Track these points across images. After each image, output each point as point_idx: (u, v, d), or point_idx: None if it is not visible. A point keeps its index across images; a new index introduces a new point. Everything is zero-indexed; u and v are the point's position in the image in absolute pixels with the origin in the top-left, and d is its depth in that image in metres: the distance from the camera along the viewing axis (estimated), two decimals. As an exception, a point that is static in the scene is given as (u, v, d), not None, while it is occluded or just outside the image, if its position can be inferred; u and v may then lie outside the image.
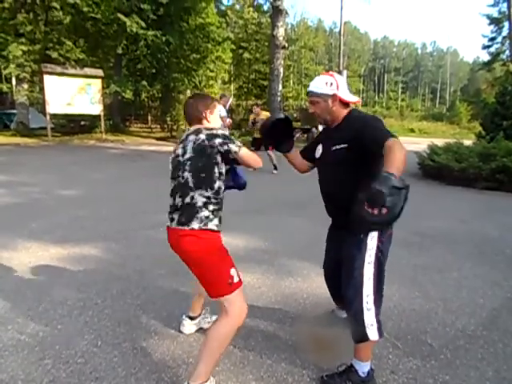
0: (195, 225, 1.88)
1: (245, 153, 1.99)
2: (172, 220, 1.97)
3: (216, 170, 1.96)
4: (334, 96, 2.00)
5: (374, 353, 2.32)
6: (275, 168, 9.42)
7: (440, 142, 10.28)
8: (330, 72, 2.14)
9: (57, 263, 3.61)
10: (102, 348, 2.32)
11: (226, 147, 1.96)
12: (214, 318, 2.48)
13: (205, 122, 2.18)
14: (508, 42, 25.28)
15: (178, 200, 1.96)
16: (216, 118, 2.27)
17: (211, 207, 1.94)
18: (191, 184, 1.94)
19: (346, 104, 2.06)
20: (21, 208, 5.60)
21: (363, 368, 2.02)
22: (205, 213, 1.91)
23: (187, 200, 1.93)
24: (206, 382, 1.86)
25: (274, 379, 2.10)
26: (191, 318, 2.53)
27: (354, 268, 1.95)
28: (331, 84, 2.00)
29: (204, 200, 1.92)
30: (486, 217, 5.83)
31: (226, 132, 2.11)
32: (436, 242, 4.46)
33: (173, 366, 2.18)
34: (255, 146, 2.69)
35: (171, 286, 3.15)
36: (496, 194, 7.64)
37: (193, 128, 2.11)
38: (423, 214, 5.65)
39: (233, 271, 1.94)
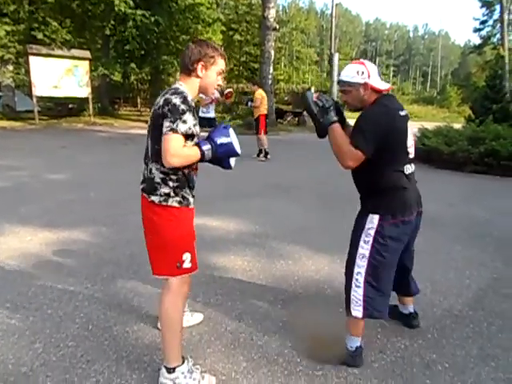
0: (155, 199, 1.79)
1: (169, 138, 1.66)
2: (142, 184, 1.89)
3: None
4: (365, 85, 2.00)
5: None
6: (265, 154, 8.90)
7: (430, 125, 10.32)
8: (361, 60, 2.12)
9: (46, 248, 3.58)
10: (92, 331, 2.33)
11: (163, 120, 1.69)
12: (196, 316, 2.46)
13: (193, 78, 1.84)
14: (499, 25, 25.26)
15: (144, 170, 1.86)
16: (211, 79, 1.87)
17: (171, 184, 1.79)
18: (150, 154, 1.81)
19: (377, 92, 2.04)
20: (9, 192, 5.53)
21: (351, 342, 2.09)
22: (165, 189, 1.79)
23: (147, 172, 1.83)
24: (181, 365, 1.86)
25: (264, 360, 2.12)
26: None
27: (351, 245, 2.09)
28: (362, 73, 1.99)
29: (161, 176, 1.78)
30: (475, 200, 5.90)
31: (184, 101, 1.71)
32: (425, 225, 4.45)
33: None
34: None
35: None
36: (484, 177, 7.72)
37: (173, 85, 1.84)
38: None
39: (186, 255, 1.84)
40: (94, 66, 17.27)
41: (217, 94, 8.80)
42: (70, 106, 18.80)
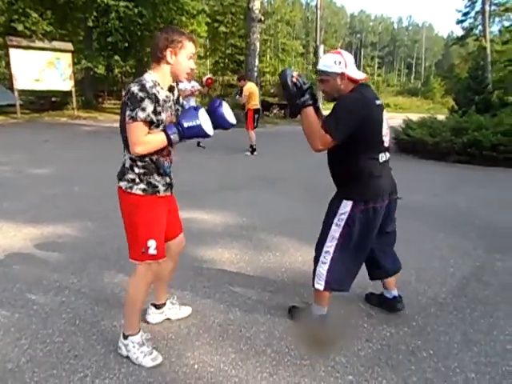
0: (122, 185, 1.88)
1: (130, 127, 1.74)
2: None
3: None
4: (342, 74, 2.05)
5: (349, 323, 2.41)
6: (252, 151, 8.75)
7: (415, 116, 10.44)
8: (338, 50, 2.17)
9: (30, 243, 3.53)
10: (80, 326, 2.31)
11: (125, 108, 1.74)
12: (184, 309, 2.46)
13: (164, 65, 1.84)
14: (481, 16, 25.52)
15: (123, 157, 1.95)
16: (182, 63, 1.86)
17: (137, 170, 1.86)
18: (123, 142, 1.87)
19: (353, 81, 2.09)
20: (-10, 188, 5.42)
21: (316, 310, 2.31)
22: (131, 175, 1.86)
23: (123, 159, 1.92)
24: (135, 334, 2.03)
25: (253, 351, 2.14)
26: (156, 307, 2.37)
27: (323, 226, 2.23)
28: (339, 62, 2.04)
29: (130, 162, 1.87)
30: (458, 189, 6.00)
31: (153, 90, 1.75)
32: (410, 214, 4.56)
33: (152, 341, 2.19)
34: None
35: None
36: (467, 167, 7.85)
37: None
38: (398, 187, 5.77)
39: (151, 242, 1.90)
40: (77, 58, 16.99)
41: (197, 86, 8.62)
42: (53, 99, 18.43)
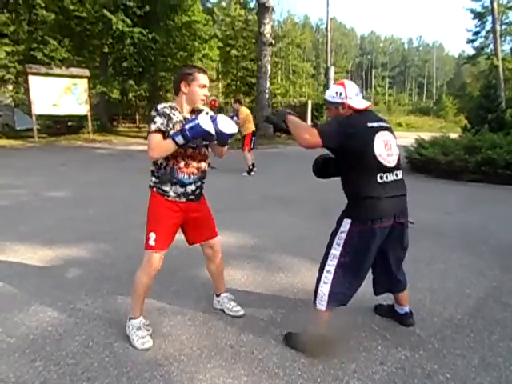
0: (150, 183, 2.39)
1: (148, 138, 2.23)
2: None
3: None
4: (342, 104, 2.27)
5: (363, 345, 2.38)
6: (249, 171, 8.84)
7: (427, 135, 10.40)
8: (343, 81, 2.37)
9: (45, 265, 3.59)
10: (93, 348, 2.33)
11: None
12: (238, 309, 2.72)
13: (181, 95, 2.31)
14: (492, 35, 25.58)
15: None
16: (194, 93, 2.29)
17: (153, 178, 2.36)
18: None
19: (354, 110, 2.25)
20: (8, 210, 5.55)
21: (314, 330, 2.30)
22: (152, 178, 2.38)
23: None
24: (135, 318, 2.38)
25: (265, 374, 2.12)
26: (216, 295, 2.80)
27: (327, 245, 2.30)
28: (340, 94, 2.26)
29: (152, 168, 2.37)
30: (472, 208, 5.93)
31: (164, 110, 2.25)
32: (423, 234, 4.52)
33: (164, 364, 2.19)
34: None
35: (162, 285, 3.14)
36: (481, 185, 7.76)
37: None
38: (410, 207, 5.66)
39: (151, 234, 2.28)
40: (93, 83, 17.44)
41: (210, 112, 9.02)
42: (69, 123, 18.88)
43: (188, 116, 2.32)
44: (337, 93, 2.27)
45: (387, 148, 2.15)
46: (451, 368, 2.18)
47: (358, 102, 2.27)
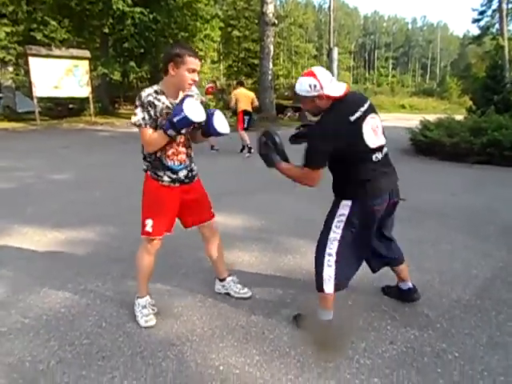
0: (144, 167, 2.36)
1: (141, 133, 2.18)
2: None
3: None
4: (319, 96, 2.11)
5: (372, 325, 2.41)
6: (249, 150, 8.81)
7: (431, 117, 10.30)
8: (312, 70, 2.14)
9: (54, 248, 3.61)
10: (106, 329, 2.36)
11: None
12: (245, 290, 2.73)
13: (168, 77, 2.17)
14: (498, 15, 25.11)
15: None
16: (181, 77, 2.13)
17: (146, 163, 2.32)
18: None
19: (332, 99, 2.12)
20: (14, 193, 5.56)
21: (322, 315, 2.30)
22: (145, 163, 2.33)
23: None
24: (142, 297, 2.45)
25: (277, 353, 2.15)
26: (220, 280, 2.76)
27: (324, 228, 2.29)
28: (314, 86, 2.08)
29: (142, 155, 2.32)
30: (477, 190, 5.91)
31: (145, 97, 2.15)
32: (428, 216, 4.52)
33: (177, 343, 2.22)
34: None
35: (171, 266, 3.17)
36: (487, 167, 7.72)
37: None
38: (415, 189, 5.70)
39: (148, 221, 2.29)
40: (94, 65, 17.25)
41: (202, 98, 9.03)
42: (71, 106, 18.79)
43: (174, 102, 2.20)
44: (310, 86, 2.08)
45: (375, 132, 2.13)
46: (460, 347, 2.21)
47: (335, 88, 2.10)
